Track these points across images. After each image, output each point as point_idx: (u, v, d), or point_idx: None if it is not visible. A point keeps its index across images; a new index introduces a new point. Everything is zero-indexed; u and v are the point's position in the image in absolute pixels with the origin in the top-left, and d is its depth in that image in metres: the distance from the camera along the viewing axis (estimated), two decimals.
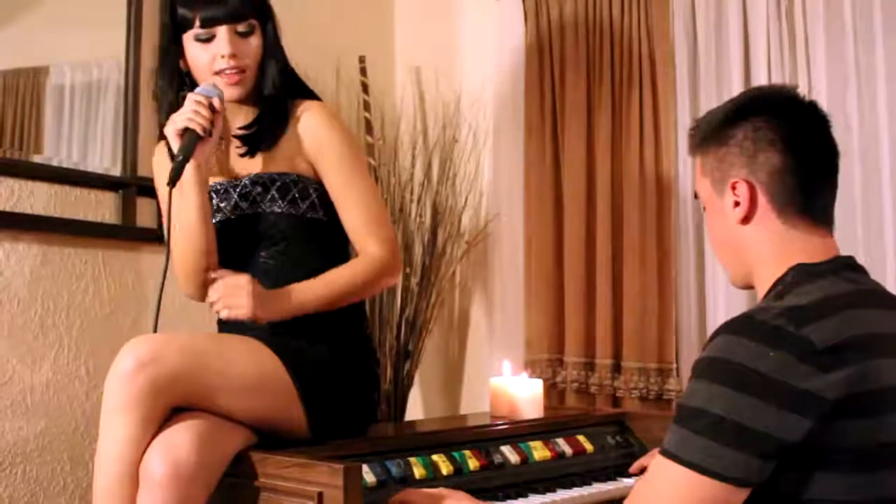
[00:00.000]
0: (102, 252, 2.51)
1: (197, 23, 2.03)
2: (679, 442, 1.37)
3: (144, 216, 2.59)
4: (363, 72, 3.15)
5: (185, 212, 1.99)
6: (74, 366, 2.43)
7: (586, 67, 3.09)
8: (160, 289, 1.87)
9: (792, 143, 1.51)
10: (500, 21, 3.26)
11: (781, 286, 1.48)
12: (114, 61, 2.64)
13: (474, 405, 3.27)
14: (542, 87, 3.15)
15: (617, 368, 3.00)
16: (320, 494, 1.70)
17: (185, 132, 1.96)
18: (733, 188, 1.52)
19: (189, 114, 1.96)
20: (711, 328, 2.90)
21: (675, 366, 2.93)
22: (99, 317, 2.49)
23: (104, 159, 2.59)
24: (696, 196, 1.65)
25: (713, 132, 1.57)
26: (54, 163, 2.47)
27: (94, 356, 2.47)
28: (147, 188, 2.58)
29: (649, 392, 2.94)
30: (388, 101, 3.36)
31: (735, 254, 1.56)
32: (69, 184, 2.46)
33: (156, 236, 2.60)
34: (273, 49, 2.12)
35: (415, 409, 3.29)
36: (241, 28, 2.05)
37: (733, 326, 1.39)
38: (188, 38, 2.06)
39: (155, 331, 1.88)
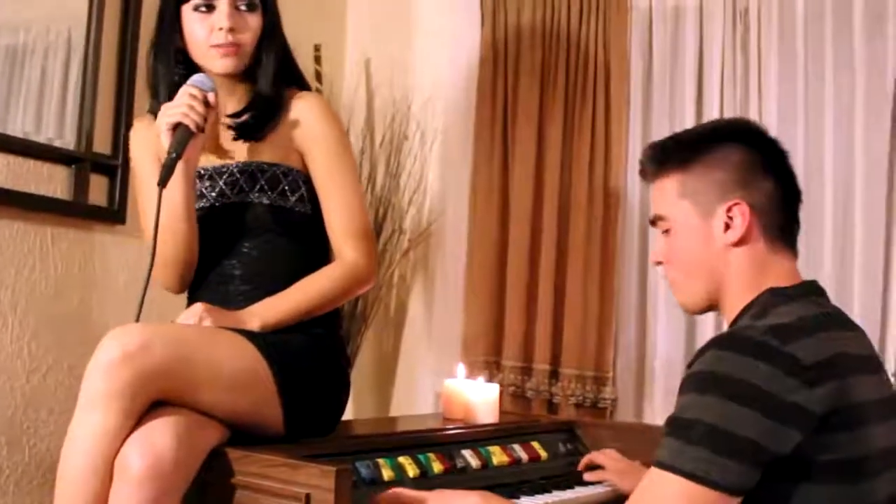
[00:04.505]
0: (51, 229, 2.39)
1: None
2: (674, 452, 1.39)
3: (96, 193, 2.48)
4: (317, 60, 3.10)
5: (168, 206, 1.92)
6: (17, 346, 2.31)
7: (540, 74, 3.10)
8: (146, 279, 1.81)
9: (777, 172, 1.59)
10: (456, 21, 3.24)
11: (757, 307, 1.54)
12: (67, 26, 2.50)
13: (405, 404, 3.25)
14: (494, 91, 3.15)
15: (554, 374, 3.03)
16: (308, 496, 1.66)
17: (178, 127, 1.89)
18: (729, 210, 1.55)
19: (183, 108, 1.89)
20: (651, 339, 2.98)
21: (611, 374, 2.98)
22: (44, 296, 2.37)
23: (49, 130, 2.44)
24: (653, 222, 1.65)
25: (692, 153, 1.59)
26: None
27: (36, 337, 2.35)
28: (102, 165, 2.49)
29: (585, 399, 2.98)
30: (336, 93, 3.30)
31: (709, 275, 1.59)
32: (21, 155, 2.33)
33: (107, 214, 2.50)
34: (273, 32, 2.05)
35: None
36: (241, 4, 1.99)
37: (720, 342, 1.43)
38: (187, 10, 1.98)
39: (137, 321, 1.81)
